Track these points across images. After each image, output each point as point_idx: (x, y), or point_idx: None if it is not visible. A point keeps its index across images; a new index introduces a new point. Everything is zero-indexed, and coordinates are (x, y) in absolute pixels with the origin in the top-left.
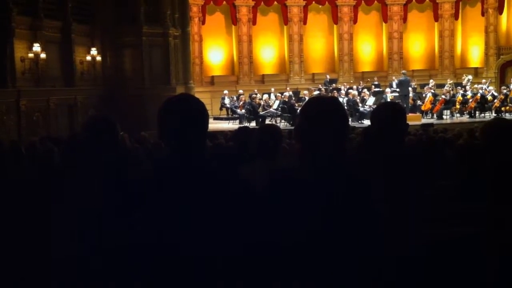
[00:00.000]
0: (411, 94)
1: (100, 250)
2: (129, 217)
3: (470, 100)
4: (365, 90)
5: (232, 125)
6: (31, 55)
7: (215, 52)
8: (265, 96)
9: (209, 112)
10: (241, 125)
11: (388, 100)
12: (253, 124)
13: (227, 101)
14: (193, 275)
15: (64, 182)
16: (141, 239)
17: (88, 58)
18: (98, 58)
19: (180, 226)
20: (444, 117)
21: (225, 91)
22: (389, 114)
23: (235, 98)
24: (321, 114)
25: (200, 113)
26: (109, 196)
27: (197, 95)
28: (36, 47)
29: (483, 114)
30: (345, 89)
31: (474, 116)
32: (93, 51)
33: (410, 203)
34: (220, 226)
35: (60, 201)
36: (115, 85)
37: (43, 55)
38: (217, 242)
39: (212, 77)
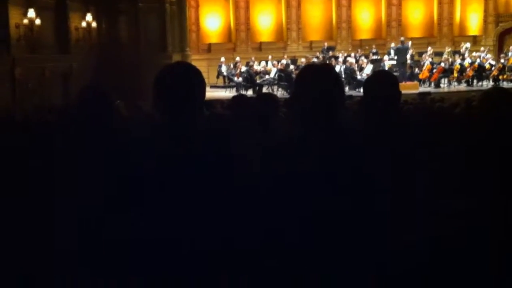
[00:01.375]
0: (409, 61)
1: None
2: (123, 195)
3: (468, 69)
4: (362, 58)
5: (229, 94)
6: (25, 21)
7: (212, 19)
8: (262, 64)
9: (206, 80)
10: (237, 93)
11: (386, 68)
12: (250, 92)
13: (224, 69)
14: (190, 260)
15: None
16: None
17: (83, 24)
18: (94, 24)
19: (173, 209)
20: (442, 85)
21: (222, 59)
22: (381, 83)
23: (232, 66)
24: (315, 82)
25: (197, 81)
26: (102, 168)
27: (193, 63)
28: (31, 13)
29: (480, 83)
30: (343, 57)
31: (472, 85)
32: (88, 17)
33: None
34: (214, 206)
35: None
36: (111, 53)
37: (38, 21)
38: (213, 223)
39: (209, 44)
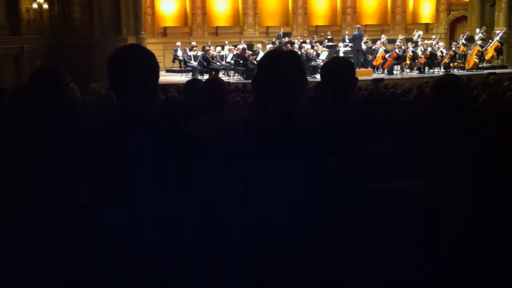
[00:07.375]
0: (363, 47)
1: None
2: (77, 177)
3: (420, 56)
4: (318, 44)
5: (185, 78)
6: None
7: (167, 2)
8: (218, 49)
9: (162, 64)
10: (192, 78)
11: (341, 54)
12: (206, 76)
13: (179, 53)
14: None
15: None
16: (84, 199)
17: (35, 6)
18: (45, 6)
19: (126, 186)
20: (394, 72)
21: (178, 43)
22: (338, 69)
23: (187, 50)
24: (278, 67)
25: (150, 63)
26: (57, 152)
27: (149, 47)
28: None
29: (432, 70)
30: (299, 43)
31: (424, 72)
32: None
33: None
34: (169, 183)
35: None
36: (63, 35)
37: None
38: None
39: (165, 28)
